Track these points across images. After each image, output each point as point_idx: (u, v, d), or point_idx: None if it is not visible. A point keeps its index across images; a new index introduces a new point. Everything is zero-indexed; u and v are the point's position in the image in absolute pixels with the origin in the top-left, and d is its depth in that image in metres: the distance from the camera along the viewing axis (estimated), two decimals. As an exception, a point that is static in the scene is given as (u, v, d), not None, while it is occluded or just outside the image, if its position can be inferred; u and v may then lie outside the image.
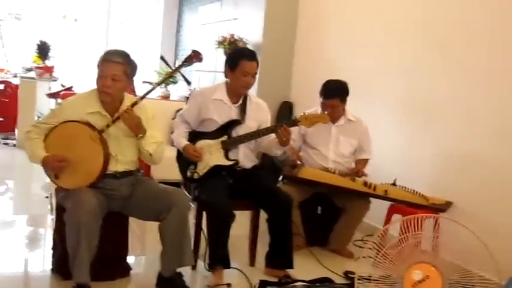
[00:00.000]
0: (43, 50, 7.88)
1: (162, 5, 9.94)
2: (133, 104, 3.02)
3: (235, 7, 6.98)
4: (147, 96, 3.15)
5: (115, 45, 9.62)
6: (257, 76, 3.62)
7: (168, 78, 3.11)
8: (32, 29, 9.15)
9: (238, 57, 3.53)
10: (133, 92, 6.81)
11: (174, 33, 9.96)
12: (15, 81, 8.16)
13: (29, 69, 8.09)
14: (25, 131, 3.10)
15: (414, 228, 2.70)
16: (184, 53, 9.25)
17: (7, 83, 8.13)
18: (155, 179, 5.33)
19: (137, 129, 3.03)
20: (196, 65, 8.04)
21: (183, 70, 3.34)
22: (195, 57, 3.20)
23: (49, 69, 7.83)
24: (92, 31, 9.78)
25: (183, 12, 9.71)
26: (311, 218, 4.20)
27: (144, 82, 8.01)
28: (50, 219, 4.31)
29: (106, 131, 3.00)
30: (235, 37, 6.37)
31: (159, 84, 3.31)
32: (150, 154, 3.13)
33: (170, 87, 8.37)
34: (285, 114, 6.10)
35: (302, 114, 3.52)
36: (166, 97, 8.20)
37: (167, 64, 3.19)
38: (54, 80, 8.06)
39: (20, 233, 4.22)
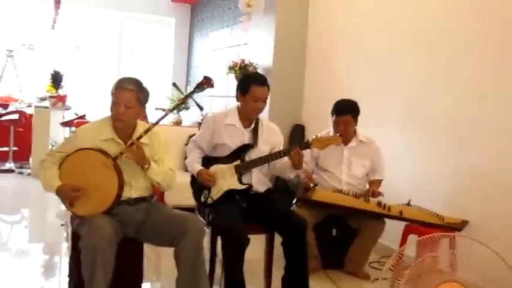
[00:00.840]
0: (56, 79, 7.97)
1: (173, 32, 10.07)
2: (146, 131, 3.05)
3: (245, 32, 7.05)
4: (160, 122, 3.18)
5: (127, 73, 9.70)
6: (268, 100, 3.64)
7: (181, 105, 3.13)
8: (45, 59, 9.27)
9: (249, 82, 3.56)
10: (145, 118, 6.87)
11: (185, 59, 10.06)
12: (29, 110, 8.27)
13: (43, 99, 8.19)
14: (39, 161, 3.13)
15: (431, 248, 2.67)
16: (196, 78, 9.33)
17: (21, 113, 8.21)
18: (169, 204, 5.36)
19: (142, 161, 3.06)
20: (208, 90, 8.12)
21: (195, 96, 3.35)
22: (206, 83, 3.24)
23: (62, 98, 7.92)
24: (104, 60, 9.90)
25: (194, 39, 9.82)
26: (326, 240, 4.17)
27: (156, 109, 8.06)
28: (66, 247, 4.33)
29: (120, 158, 3.03)
30: (246, 62, 6.42)
31: (171, 110, 3.35)
32: (158, 183, 3.17)
33: (182, 113, 8.40)
34: (297, 137, 6.11)
35: (314, 136, 3.53)
36: (178, 123, 8.23)
37: (179, 90, 3.22)
38: (68, 109, 8.15)
39: (36, 261, 4.24)
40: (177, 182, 3.32)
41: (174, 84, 3.34)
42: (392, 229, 4.07)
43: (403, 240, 3.86)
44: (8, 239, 4.89)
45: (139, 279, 3.36)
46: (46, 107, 7.87)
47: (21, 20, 9.30)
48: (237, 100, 3.65)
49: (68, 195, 2.98)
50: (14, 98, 9.08)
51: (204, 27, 9.29)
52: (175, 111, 8.13)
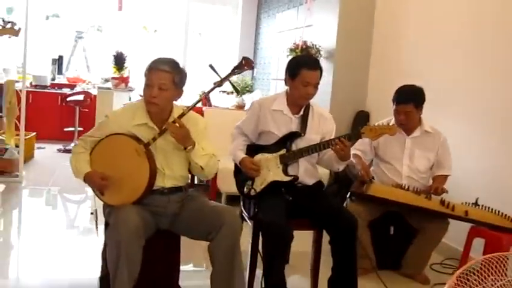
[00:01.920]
0: (119, 61, 7.98)
1: (240, 14, 9.86)
2: (181, 116, 2.82)
3: (309, 13, 6.72)
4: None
5: (193, 55, 9.68)
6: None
7: (217, 87, 2.89)
8: (113, 41, 9.31)
9: (299, 65, 3.25)
10: (207, 100, 6.74)
11: (252, 41, 9.84)
12: (95, 91, 8.35)
13: (106, 80, 8.25)
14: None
15: (496, 268, 2.25)
16: (262, 61, 9.11)
17: (87, 94, 8.32)
18: (223, 192, 5.18)
19: (185, 141, 2.82)
20: (273, 73, 7.92)
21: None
22: (246, 64, 2.97)
23: (125, 80, 7.92)
24: (171, 42, 9.84)
25: (261, 20, 9.56)
26: (382, 239, 3.85)
27: (221, 92, 7.92)
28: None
29: (153, 144, 2.83)
30: (308, 44, 6.11)
31: (208, 93, 3.11)
32: (201, 167, 2.92)
33: (245, 96, 8.21)
34: (360, 125, 5.72)
35: (367, 125, 3.20)
36: (241, 107, 8.05)
37: (216, 72, 2.98)
38: (130, 90, 8.17)
39: (99, 240, 4.20)
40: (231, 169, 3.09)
41: (211, 66, 3.08)
42: (458, 228, 3.70)
43: (468, 244, 3.50)
44: (76, 217, 4.97)
45: (176, 274, 3.17)
46: (109, 88, 7.92)
47: (90, 1, 9.36)
48: (286, 84, 3.36)
49: (96, 183, 2.82)
50: (82, 78, 9.23)
51: (270, 8, 9.01)
52: (238, 94, 7.98)
